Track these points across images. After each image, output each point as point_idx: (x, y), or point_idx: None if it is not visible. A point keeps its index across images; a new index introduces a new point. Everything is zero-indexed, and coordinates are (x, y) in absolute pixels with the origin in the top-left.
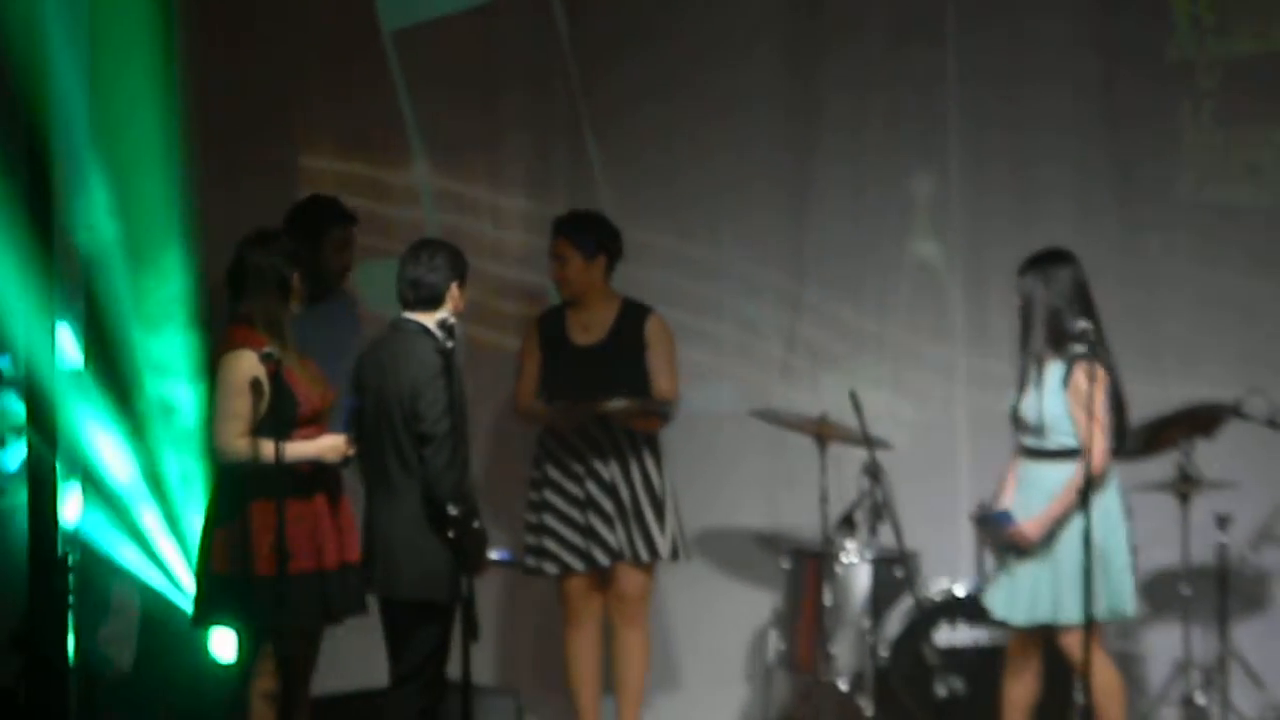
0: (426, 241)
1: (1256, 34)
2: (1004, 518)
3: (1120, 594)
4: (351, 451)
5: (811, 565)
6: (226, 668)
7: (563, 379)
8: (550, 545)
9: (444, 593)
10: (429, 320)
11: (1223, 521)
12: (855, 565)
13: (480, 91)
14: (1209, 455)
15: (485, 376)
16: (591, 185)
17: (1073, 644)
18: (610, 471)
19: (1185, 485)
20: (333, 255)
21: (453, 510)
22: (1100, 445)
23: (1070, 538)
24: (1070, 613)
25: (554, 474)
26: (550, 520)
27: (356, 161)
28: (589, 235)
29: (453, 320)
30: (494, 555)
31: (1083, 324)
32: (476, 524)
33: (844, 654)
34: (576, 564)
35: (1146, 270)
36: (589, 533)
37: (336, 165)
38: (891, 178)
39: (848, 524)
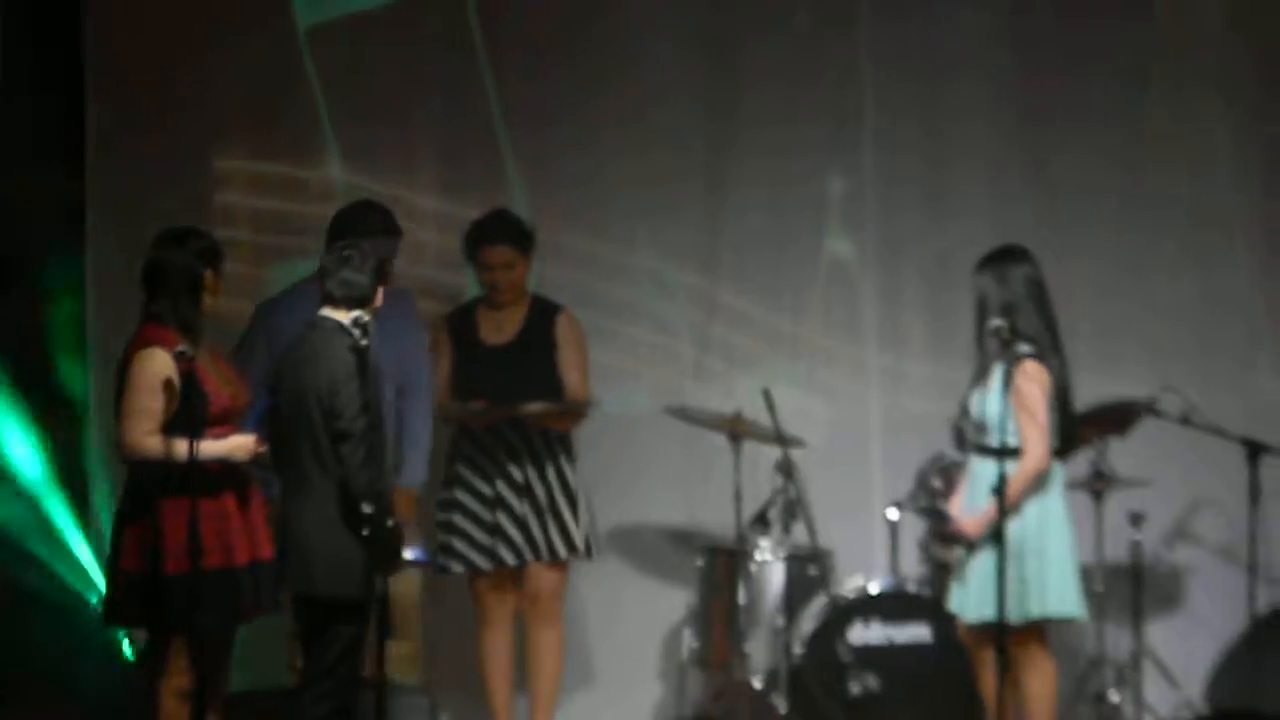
0: (354, 242)
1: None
2: (942, 517)
3: (1065, 595)
4: (261, 449)
5: (725, 563)
6: (141, 667)
7: (474, 379)
8: (458, 544)
9: (358, 590)
10: (345, 319)
11: (1137, 519)
12: (769, 563)
13: (395, 89)
14: (1123, 453)
15: None
16: (506, 184)
17: (1020, 641)
18: (524, 471)
19: (1099, 483)
20: None
21: (367, 508)
22: (1039, 446)
23: (1013, 537)
24: (1013, 611)
25: (465, 473)
26: (459, 519)
27: (270, 161)
28: (527, 237)
29: (367, 318)
30: (409, 554)
31: (996, 323)
32: (391, 522)
33: (758, 652)
34: (483, 563)
35: (1061, 266)
36: (496, 532)
37: (250, 165)
38: (805, 176)
39: (761, 522)
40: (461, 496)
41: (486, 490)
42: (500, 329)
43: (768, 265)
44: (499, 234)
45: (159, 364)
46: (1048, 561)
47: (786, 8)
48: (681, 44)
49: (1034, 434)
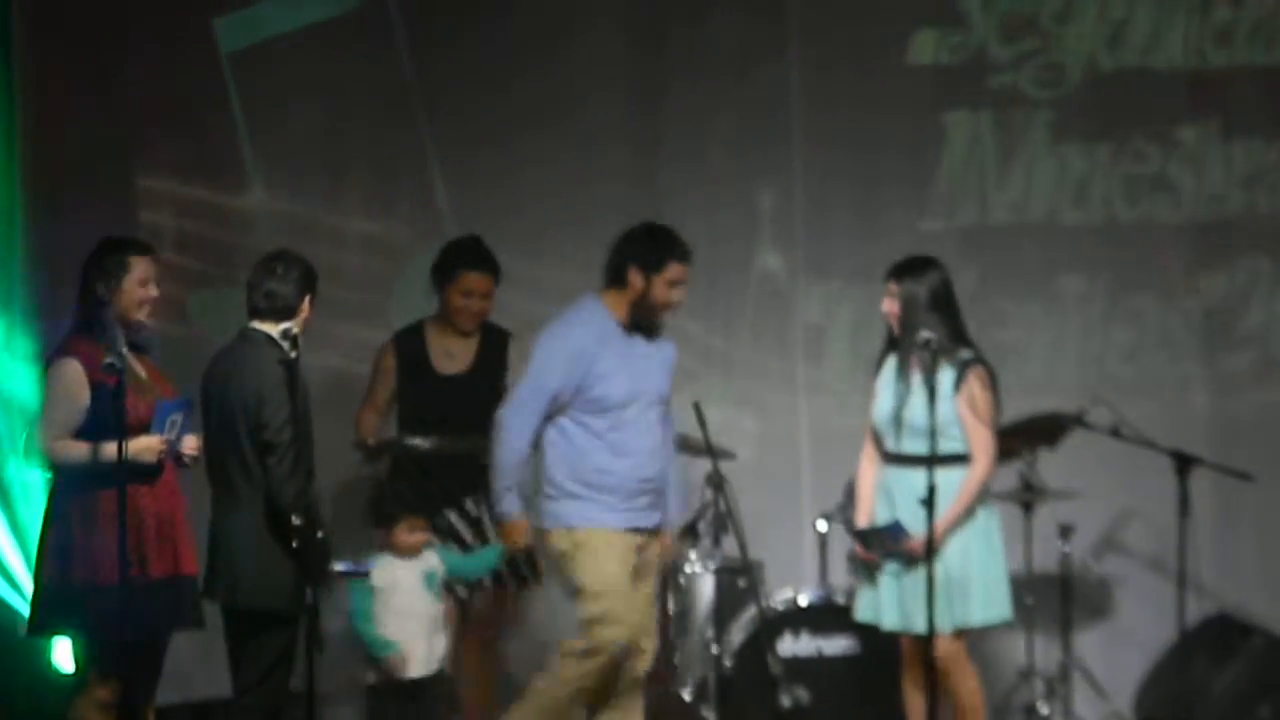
0: (281, 253)
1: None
2: (898, 529)
3: (1005, 599)
4: (164, 450)
5: None
6: (67, 677)
7: (429, 408)
8: None
9: (285, 602)
10: (274, 331)
11: (1065, 531)
12: (699, 575)
13: (320, 113)
14: (1051, 465)
15: (320, 397)
16: (433, 206)
17: (951, 649)
18: (475, 503)
19: (1028, 494)
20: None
21: (296, 519)
22: (992, 450)
23: (961, 543)
24: (969, 616)
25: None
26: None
27: (196, 184)
28: (498, 266)
29: (296, 330)
30: (339, 566)
31: (926, 334)
32: (320, 534)
33: (688, 663)
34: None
35: (986, 283)
36: None
37: (175, 187)
38: (735, 192)
39: (691, 534)
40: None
41: (439, 523)
42: (452, 356)
43: (698, 281)
44: (483, 260)
45: (68, 373)
46: (997, 567)
47: (716, 34)
48: (614, 65)
49: (987, 438)
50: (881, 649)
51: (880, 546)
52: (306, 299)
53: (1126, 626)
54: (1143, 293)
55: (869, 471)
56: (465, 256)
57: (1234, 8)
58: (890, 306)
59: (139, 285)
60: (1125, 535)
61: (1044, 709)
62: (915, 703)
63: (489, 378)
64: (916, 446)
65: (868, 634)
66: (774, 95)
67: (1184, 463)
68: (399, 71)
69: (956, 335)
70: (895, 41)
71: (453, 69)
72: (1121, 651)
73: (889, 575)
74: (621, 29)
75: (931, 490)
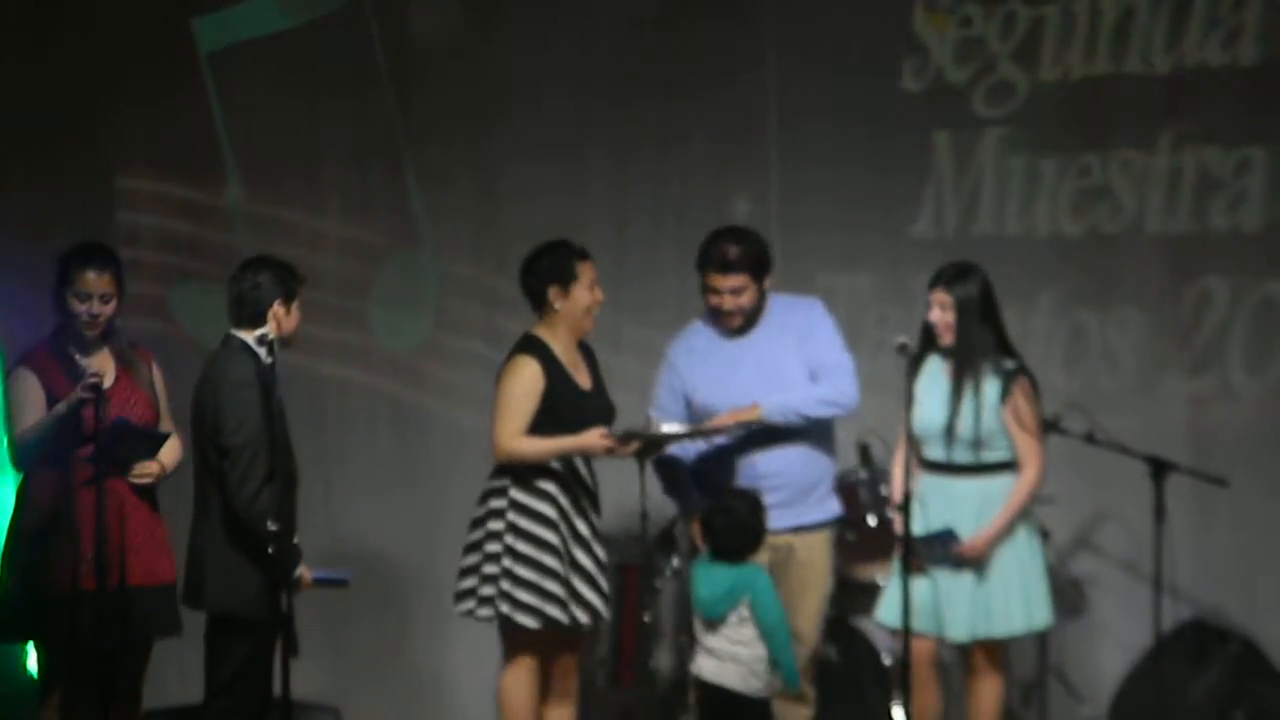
0: (254, 259)
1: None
2: (949, 536)
3: (1045, 606)
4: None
5: (631, 580)
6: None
7: (576, 423)
8: (586, 592)
9: (250, 607)
10: (251, 337)
11: (1042, 536)
12: (674, 580)
13: (298, 115)
14: None
15: (300, 402)
16: (409, 211)
17: (985, 655)
18: (598, 517)
19: None
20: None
21: (272, 525)
22: (1041, 459)
23: (1009, 550)
24: (1015, 623)
25: (571, 518)
26: (565, 568)
27: (174, 183)
28: None
29: (272, 336)
30: (317, 574)
31: (901, 339)
32: (295, 540)
33: (664, 668)
34: (586, 617)
35: None
36: (596, 581)
37: (155, 186)
38: (711, 208)
39: (667, 540)
40: (570, 542)
41: (594, 542)
42: (578, 370)
43: (672, 295)
44: (585, 250)
45: (22, 383)
46: (1038, 570)
47: (693, 48)
48: (587, 83)
49: (1035, 448)
50: (859, 655)
51: (930, 552)
52: (278, 302)
53: (1103, 632)
54: (1121, 304)
55: (903, 478)
56: (576, 251)
57: (1194, 13)
58: (941, 316)
59: (77, 301)
60: (1101, 541)
61: (1021, 714)
62: (924, 708)
63: (605, 391)
64: (969, 456)
65: (845, 641)
66: (751, 107)
67: (1159, 468)
68: (376, 74)
69: (1002, 342)
70: (872, 56)
71: (429, 73)
72: (1098, 657)
73: (930, 580)
74: (600, 37)
75: (908, 497)
